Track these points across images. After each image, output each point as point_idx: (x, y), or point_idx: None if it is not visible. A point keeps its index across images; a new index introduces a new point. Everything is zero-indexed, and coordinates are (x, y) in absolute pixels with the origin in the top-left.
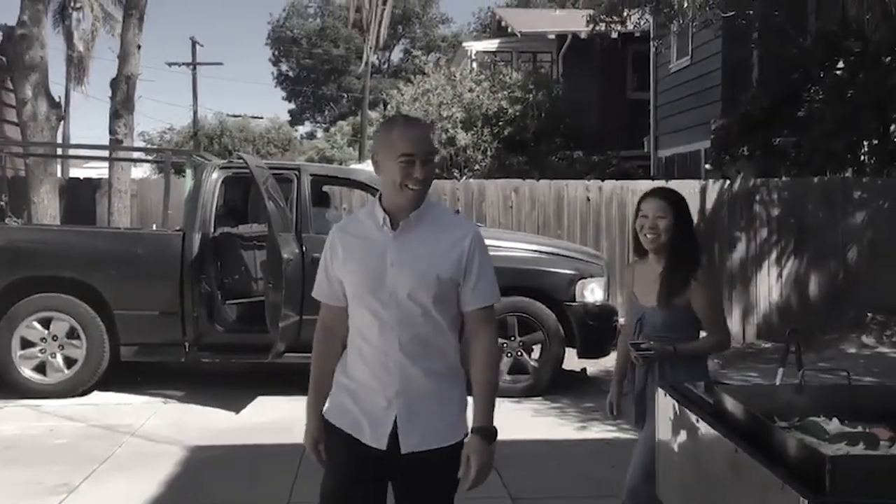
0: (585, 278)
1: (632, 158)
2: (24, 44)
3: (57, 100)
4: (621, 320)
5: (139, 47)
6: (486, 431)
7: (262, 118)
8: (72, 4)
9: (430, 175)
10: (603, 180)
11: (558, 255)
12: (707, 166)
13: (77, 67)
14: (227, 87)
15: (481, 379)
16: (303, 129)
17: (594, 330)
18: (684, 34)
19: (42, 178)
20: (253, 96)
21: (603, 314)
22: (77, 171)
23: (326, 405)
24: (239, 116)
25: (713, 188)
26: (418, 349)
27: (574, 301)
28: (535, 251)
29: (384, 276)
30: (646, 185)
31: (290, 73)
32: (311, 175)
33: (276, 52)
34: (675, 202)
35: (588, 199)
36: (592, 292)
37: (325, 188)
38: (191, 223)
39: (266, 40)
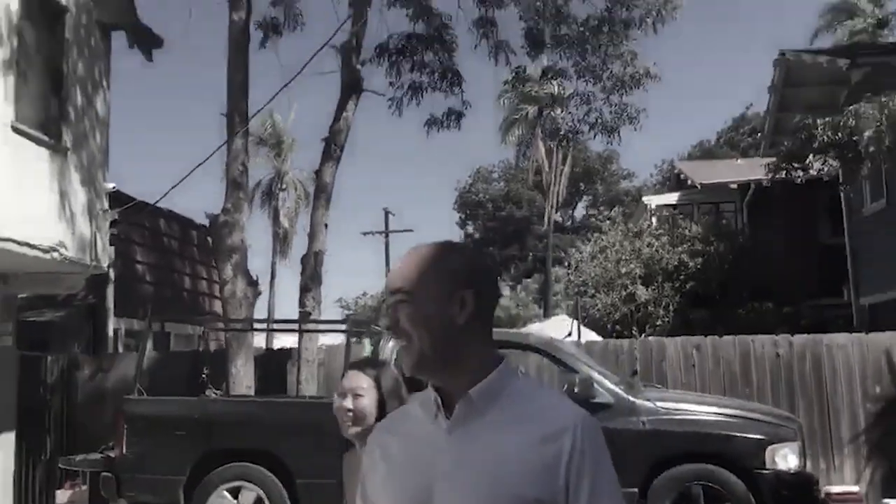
0: (776, 443)
1: (830, 307)
2: (226, 229)
3: (255, 278)
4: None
5: (326, 226)
6: None
7: None
8: (278, 185)
9: (409, 322)
10: (793, 334)
11: (746, 417)
12: None
13: (282, 242)
14: None
15: None
16: None
17: (788, 500)
18: (878, 175)
19: (239, 351)
20: None
21: (798, 483)
22: (282, 341)
23: None
24: None
25: None
26: None
27: (765, 468)
28: (721, 414)
29: (430, 495)
30: (843, 338)
31: (477, 235)
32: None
33: (463, 216)
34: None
35: (778, 355)
36: (785, 458)
37: (502, 352)
38: None
39: (453, 205)
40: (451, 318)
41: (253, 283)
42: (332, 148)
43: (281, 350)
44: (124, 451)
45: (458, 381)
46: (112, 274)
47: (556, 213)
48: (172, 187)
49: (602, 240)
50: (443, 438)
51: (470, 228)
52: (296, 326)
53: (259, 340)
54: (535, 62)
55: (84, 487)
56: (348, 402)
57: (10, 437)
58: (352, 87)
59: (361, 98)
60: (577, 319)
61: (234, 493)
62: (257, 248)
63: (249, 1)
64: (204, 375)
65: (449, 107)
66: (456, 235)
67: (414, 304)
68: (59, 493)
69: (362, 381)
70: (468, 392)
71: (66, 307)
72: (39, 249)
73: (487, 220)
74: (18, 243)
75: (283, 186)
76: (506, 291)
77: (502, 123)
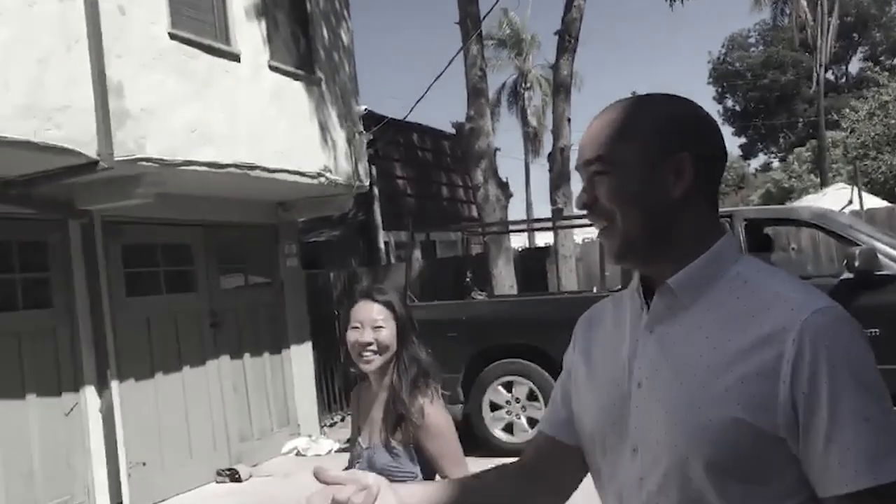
0: None
1: None
2: (473, 136)
3: (505, 180)
4: None
5: (569, 120)
6: None
7: None
8: (522, 85)
9: (610, 198)
10: None
11: None
12: None
13: (533, 141)
14: None
15: None
16: (756, 163)
17: None
18: None
19: (498, 253)
20: None
21: None
22: (543, 238)
23: None
24: None
25: None
26: None
27: None
28: None
29: (625, 411)
30: None
31: (737, 108)
32: (744, 220)
33: (720, 89)
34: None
35: None
36: None
37: (769, 230)
38: (626, 283)
39: (707, 79)
40: (665, 189)
41: (503, 186)
42: (567, 39)
43: (539, 248)
44: None
45: (669, 268)
46: (376, 191)
47: (827, 71)
48: (417, 102)
49: (882, 94)
50: (643, 334)
51: (729, 102)
52: (549, 224)
53: (521, 240)
54: None
55: None
56: (367, 335)
57: (307, 347)
58: None
59: None
60: (857, 186)
61: (508, 387)
62: (510, 150)
63: None
64: (468, 279)
65: None
66: (714, 111)
67: (615, 176)
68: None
69: (377, 312)
70: (666, 281)
71: (341, 226)
72: (308, 176)
73: (748, 90)
74: (290, 172)
75: (528, 85)
76: (775, 164)
77: None
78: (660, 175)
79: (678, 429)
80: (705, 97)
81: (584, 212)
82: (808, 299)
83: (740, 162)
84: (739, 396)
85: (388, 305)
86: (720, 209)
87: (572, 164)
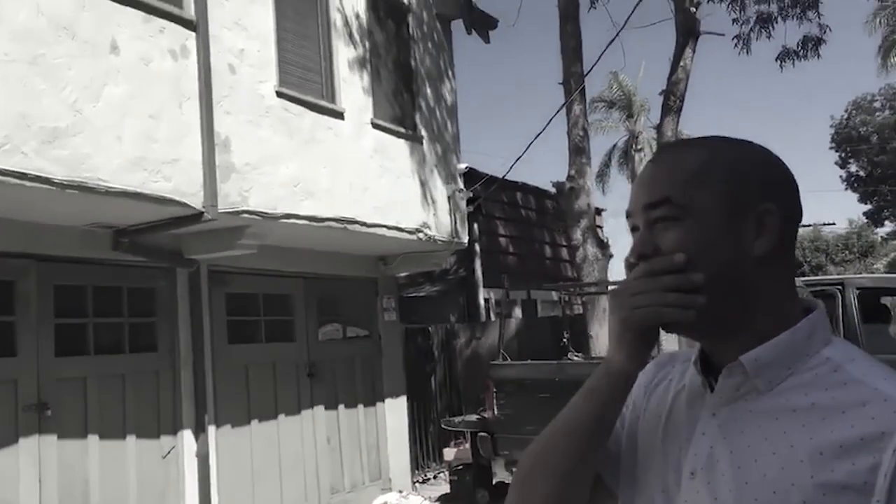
0: None
1: None
2: (573, 195)
3: (605, 240)
4: None
5: None
6: None
7: (833, 224)
8: (633, 147)
9: (674, 249)
10: None
11: None
12: None
13: None
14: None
15: None
16: (882, 231)
17: None
18: None
19: (596, 314)
20: (821, 203)
21: None
22: None
23: None
24: (809, 226)
25: None
26: None
27: None
28: None
29: (674, 498)
30: None
31: (861, 173)
32: (857, 288)
33: (843, 154)
34: None
35: None
36: None
37: (886, 300)
38: None
39: (830, 144)
40: (744, 244)
41: (603, 246)
42: (672, 100)
43: None
44: (496, 412)
45: (734, 342)
46: (478, 248)
47: None
48: (516, 160)
49: None
50: (704, 417)
51: (853, 167)
52: None
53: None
54: None
55: (467, 446)
56: None
57: (402, 401)
58: (688, 33)
59: (699, 43)
60: None
61: None
62: (619, 210)
63: None
64: (564, 339)
65: (804, 35)
66: (836, 177)
67: (686, 223)
68: (446, 450)
69: None
70: (739, 358)
71: (442, 281)
72: (406, 231)
73: (874, 154)
74: (389, 227)
75: (639, 146)
76: None
77: (881, 45)
78: (740, 227)
79: None
80: (827, 163)
81: (639, 261)
82: None
83: (867, 229)
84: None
85: None
86: (829, 279)
87: None
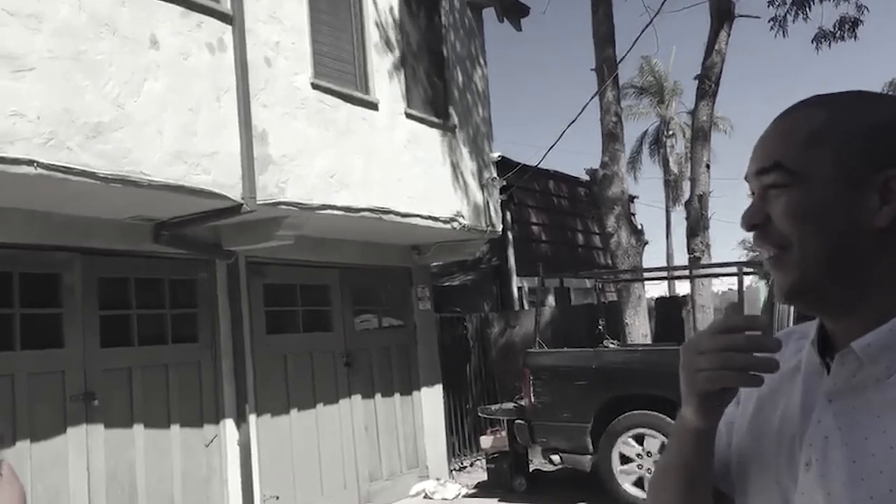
0: None
1: None
2: (606, 182)
3: (639, 227)
4: None
5: (708, 166)
6: None
7: None
8: (664, 132)
9: (789, 217)
10: None
11: None
12: None
13: (673, 189)
14: None
15: None
16: None
17: None
18: None
19: (631, 301)
20: None
21: None
22: (684, 287)
23: None
24: None
25: None
26: None
27: None
28: None
29: (790, 495)
30: None
31: None
32: None
33: None
34: None
35: None
36: None
37: None
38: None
39: None
40: (865, 214)
41: (638, 233)
42: (707, 84)
43: (675, 297)
44: (532, 400)
45: (856, 321)
46: (511, 237)
47: None
48: (550, 148)
49: None
50: (820, 402)
51: None
52: (685, 273)
53: (660, 289)
54: None
55: (503, 433)
56: None
57: (438, 389)
58: (722, 16)
59: (735, 25)
60: None
61: (639, 439)
62: (651, 198)
63: None
64: (600, 327)
65: (841, 15)
66: None
67: (800, 190)
68: (482, 438)
69: None
70: (850, 345)
71: (475, 271)
72: (440, 221)
73: None
74: (423, 217)
75: (671, 132)
76: None
77: None
78: (860, 194)
79: None
80: None
81: (751, 232)
82: None
83: None
84: None
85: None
86: None
87: (710, 211)
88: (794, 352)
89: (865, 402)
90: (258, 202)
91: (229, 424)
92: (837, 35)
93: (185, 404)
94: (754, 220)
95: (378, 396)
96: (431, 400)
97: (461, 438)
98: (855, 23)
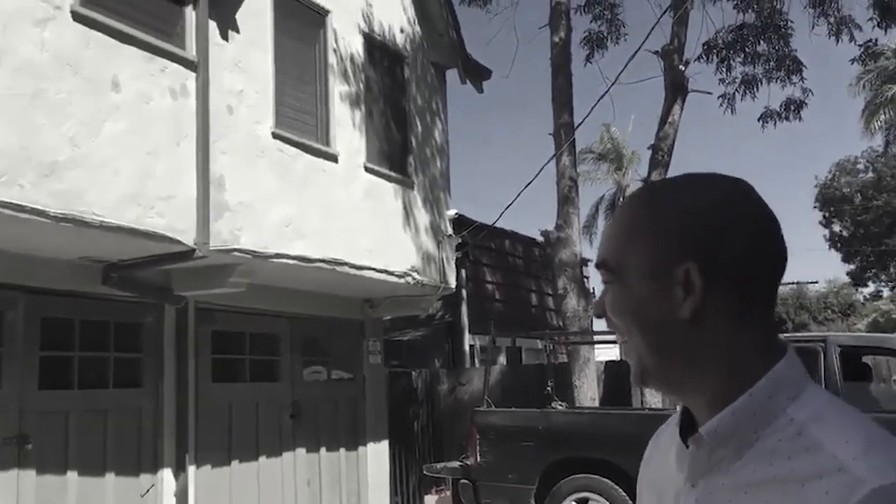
0: None
1: None
2: (559, 244)
3: (591, 290)
4: None
5: None
6: None
7: (816, 283)
8: (620, 198)
9: (615, 312)
10: None
11: None
12: None
13: None
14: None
15: None
16: (866, 291)
17: None
18: None
19: (580, 364)
20: (805, 262)
21: None
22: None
23: None
24: (793, 284)
25: None
26: None
27: None
28: None
29: None
30: None
31: (845, 233)
32: (839, 346)
33: (826, 214)
34: None
35: None
36: None
37: (868, 359)
38: None
39: (813, 203)
40: (670, 308)
41: (588, 296)
42: (660, 154)
43: (624, 361)
44: (478, 459)
45: (702, 401)
46: (465, 293)
47: None
48: (505, 208)
49: None
50: (685, 488)
51: (836, 227)
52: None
53: (612, 353)
54: (888, 34)
55: (448, 493)
56: None
57: (384, 445)
58: (676, 89)
59: (687, 100)
60: None
61: (583, 503)
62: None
63: (569, 22)
64: (548, 388)
65: (787, 97)
66: (819, 235)
67: (621, 286)
68: (427, 497)
69: None
70: (700, 429)
71: (427, 326)
72: (395, 275)
73: (856, 214)
74: (377, 270)
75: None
76: (886, 292)
77: (864, 108)
78: (663, 289)
79: None
80: (810, 222)
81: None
82: (871, 469)
83: (849, 289)
84: None
85: None
86: (812, 335)
87: None
88: (670, 436)
89: (720, 486)
90: (211, 248)
91: (167, 474)
92: (783, 115)
93: (122, 451)
94: (597, 312)
95: (323, 450)
96: (377, 455)
97: (406, 496)
98: (800, 104)
